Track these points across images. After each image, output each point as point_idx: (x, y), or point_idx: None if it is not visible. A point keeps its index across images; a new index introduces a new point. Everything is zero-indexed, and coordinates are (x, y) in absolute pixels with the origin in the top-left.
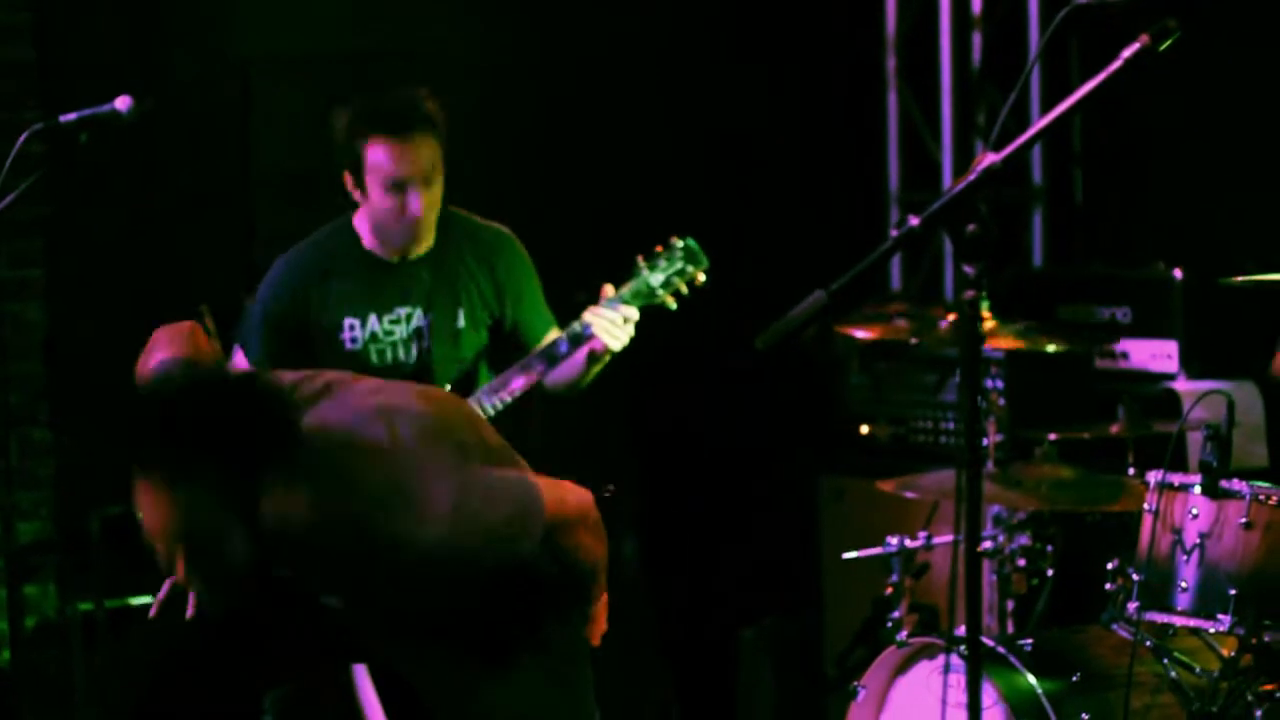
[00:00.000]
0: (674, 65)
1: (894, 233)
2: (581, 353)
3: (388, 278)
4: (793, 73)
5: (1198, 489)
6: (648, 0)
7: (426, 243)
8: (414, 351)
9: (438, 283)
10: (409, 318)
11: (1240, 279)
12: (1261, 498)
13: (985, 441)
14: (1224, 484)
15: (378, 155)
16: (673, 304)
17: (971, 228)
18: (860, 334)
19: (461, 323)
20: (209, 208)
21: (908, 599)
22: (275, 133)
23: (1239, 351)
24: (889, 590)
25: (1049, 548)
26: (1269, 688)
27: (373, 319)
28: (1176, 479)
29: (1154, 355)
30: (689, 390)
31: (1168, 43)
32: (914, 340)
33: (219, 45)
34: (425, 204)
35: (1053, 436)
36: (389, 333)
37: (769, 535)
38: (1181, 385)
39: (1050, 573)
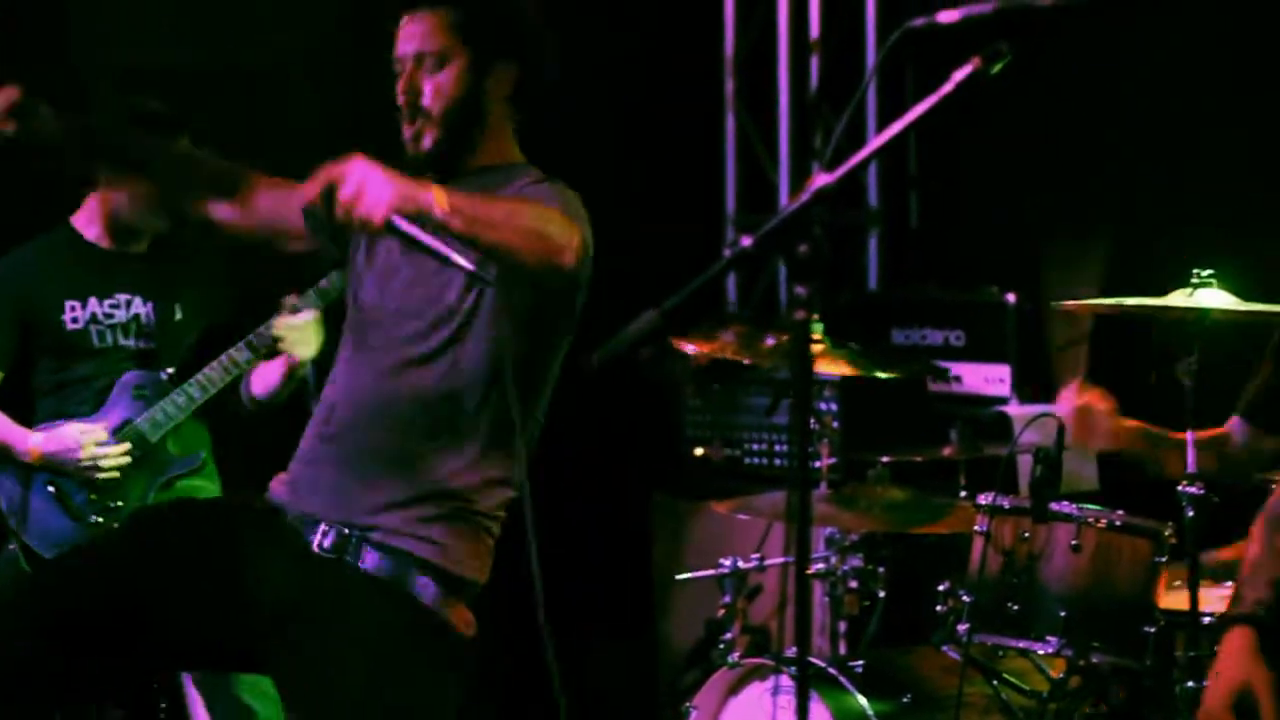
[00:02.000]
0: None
1: (727, 253)
2: (277, 364)
3: (110, 265)
4: (631, 94)
5: (1028, 512)
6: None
7: (150, 236)
8: (133, 334)
9: (155, 275)
10: (129, 304)
11: (1071, 303)
12: (1090, 520)
13: (818, 463)
14: (1054, 507)
15: None
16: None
17: (804, 249)
18: (691, 350)
19: (179, 315)
20: None
21: (740, 620)
22: None
23: (1070, 375)
24: (722, 612)
25: (881, 569)
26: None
27: (93, 302)
28: (1007, 502)
29: (986, 379)
30: None
31: (999, 65)
32: (746, 360)
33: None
34: None
35: (886, 459)
36: (109, 315)
37: (603, 556)
38: (1013, 409)
39: (882, 594)
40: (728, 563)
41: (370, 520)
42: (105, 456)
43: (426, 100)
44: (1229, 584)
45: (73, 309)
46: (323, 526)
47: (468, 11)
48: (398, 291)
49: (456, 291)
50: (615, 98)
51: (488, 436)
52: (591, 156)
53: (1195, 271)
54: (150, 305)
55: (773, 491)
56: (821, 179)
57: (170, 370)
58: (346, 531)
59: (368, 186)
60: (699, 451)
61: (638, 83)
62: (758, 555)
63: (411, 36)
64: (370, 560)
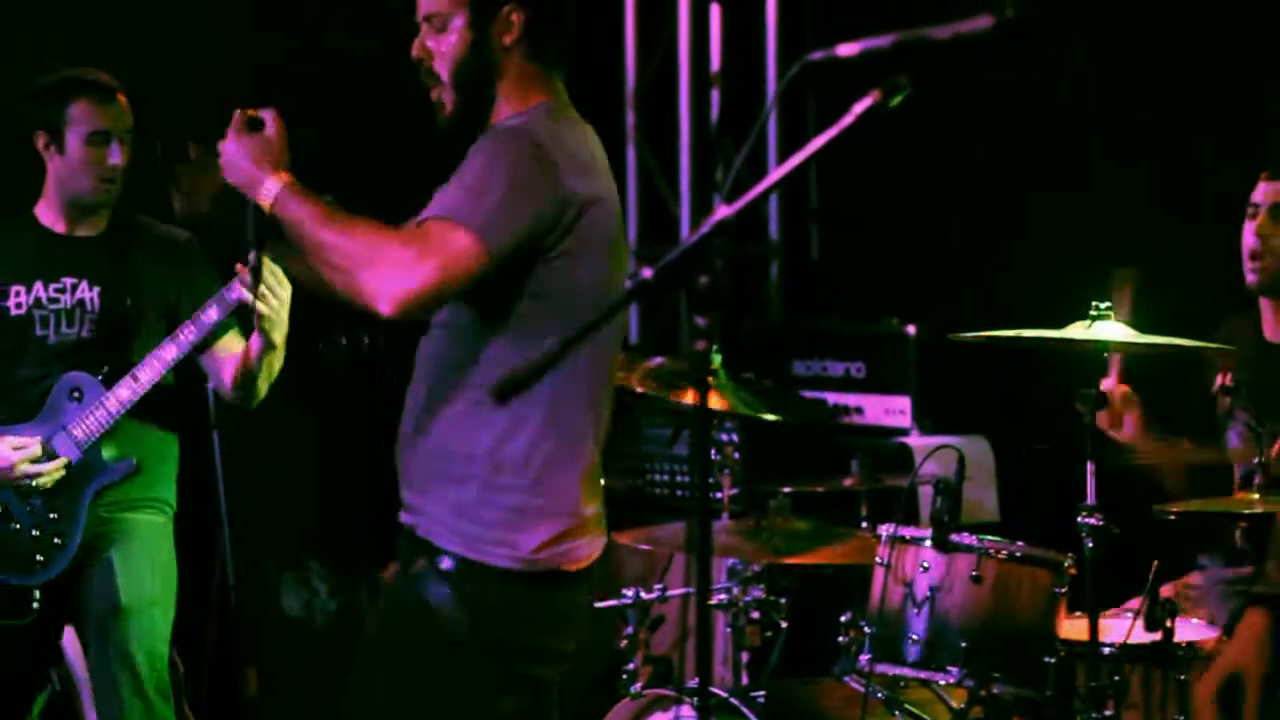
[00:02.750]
0: (411, 112)
1: (628, 284)
2: (254, 343)
3: (58, 248)
4: None
5: (928, 542)
6: (384, 43)
7: (105, 216)
8: (77, 323)
9: (107, 260)
10: (74, 288)
11: (970, 335)
12: (991, 551)
13: (720, 494)
14: (954, 537)
15: (83, 110)
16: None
17: (704, 280)
18: None
19: (130, 303)
20: None
21: (643, 651)
22: None
23: (971, 407)
24: (624, 642)
25: (783, 600)
26: None
27: (38, 285)
28: (908, 532)
29: (888, 410)
30: None
31: (898, 98)
32: (640, 389)
33: None
34: (124, 158)
35: (787, 489)
36: (54, 300)
37: None
38: (914, 440)
39: (784, 624)
40: (630, 593)
41: None
42: (39, 474)
43: (437, 64)
44: (1128, 615)
45: (17, 294)
46: None
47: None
48: None
49: None
50: None
51: None
52: None
53: (1094, 303)
54: (97, 291)
55: (675, 522)
56: (722, 211)
57: (105, 369)
58: None
59: (225, 163)
60: (601, 481)
61: None
62: (660, 586)
63: (123, 116)
64: None
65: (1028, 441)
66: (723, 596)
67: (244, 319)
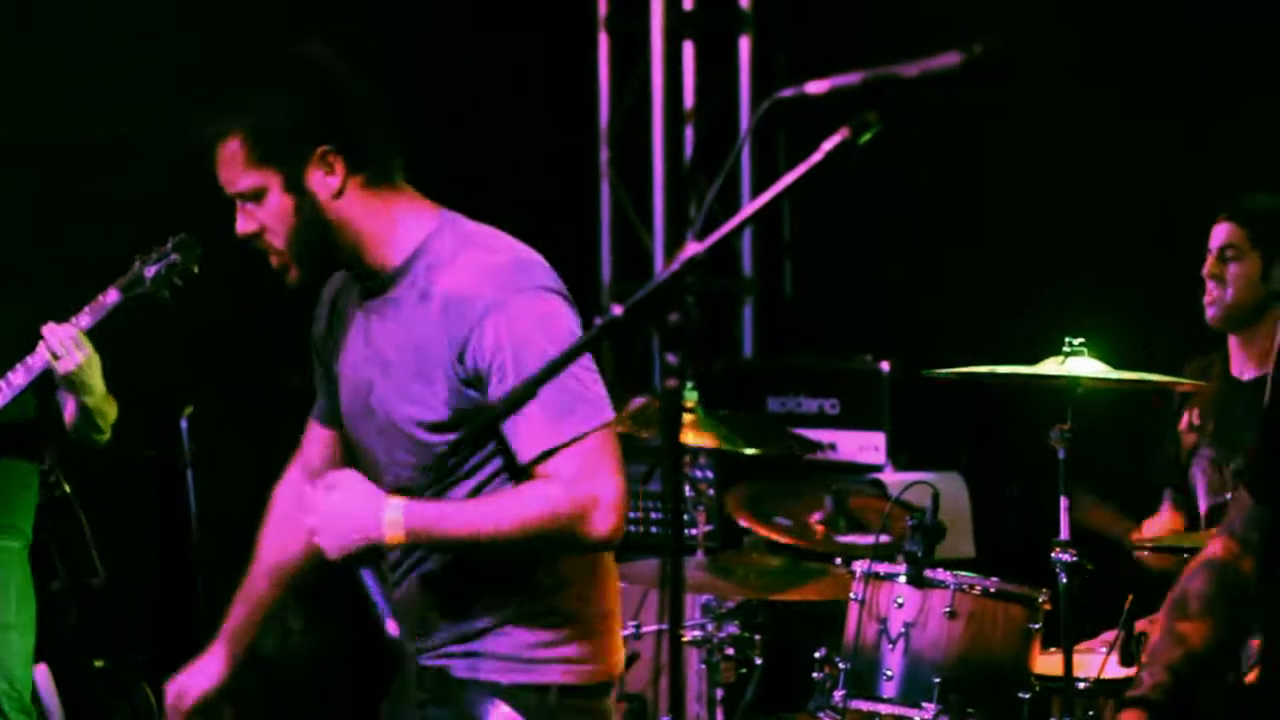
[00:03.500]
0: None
1: (599, 321)
2: (67, 403)
3: None
4: (505, 162)
5: (903, 578)
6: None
7: None
8: None
9: None
10: None
11: (944, 371)
12: (965, 587)
13: (694, 530)
14: (929, 573)
15: None
16: (166, 295)
17: (675, 317)
18: None
19: None
20: None
21: (617, 688)
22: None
23: (945, 443)
24: None
25: (757, 636)
26: None
27: None
28: (882, 568)
29: (862, 446)
30: None
31: (868, 135)
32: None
33: None
34: None
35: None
36: None
37: None
38: (888, 476)
39: (758, 661)
40: None
41: None
42: None
43: (269, 238)
44: (1103, 650)
45: None
46: None
47: (254, 129)
48: None
49: None
50: (488, 166)
51: None
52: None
53: (1067, 339)
54: None
55: (648, 558)
56: (693, 247)
57: None
58: None
59: (320, 529)
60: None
61: (512, 151)
62: (634, 623)
63: (223, 178)
64: None
65: (1001, 477)
66: (697, 633)
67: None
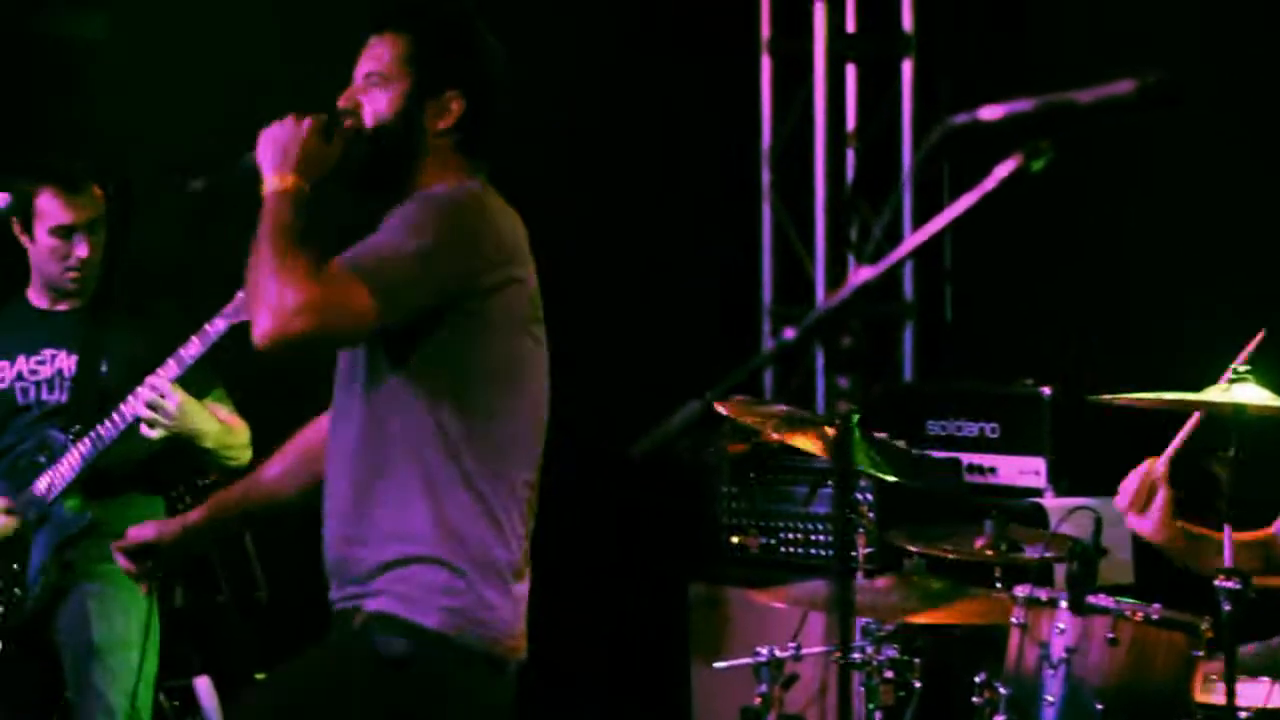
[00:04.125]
0: (550, 180)
1: (769, 344)
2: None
3: (41, 323)
4: (667, 184)
5: (1064, 604)
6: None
7: (86, 292)
8: (57, 389)
9: (87, 330)
10: (54, 358)
11: (1108, 397)
12: (1127, 613)
13: (855, 553)
14: (1090, 599)
15: (48, 202)
16: None
17: (846, 341)
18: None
19: (106, 370)
20: None
21: (776, 709)
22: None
23: (1106, 468)
24: (758, 700)
25: (916, 660)
26: None
27: (20, 359)
28: (1043, 594)
29: (1022, 471)
30: (561, 496)
31: (1040, 162)
32: (774, 437)
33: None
34: (89, 249)
35: (921, 549)
36: (34, 372)
37: (639, 644)
38: (1049, 501)
39: (917, 684)
40: (764, 651)
41: None
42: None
43: (365, 116)
44: (1264, 679)
45: (2, 369)
46: None
47: (421, 38)
48: None
49: None
50: (651, 187)
51: None
52: (628, 247)
53: (1232, 366)
54: (74, 358)
55: (809, 580)
56: (864, 272)
57: (78, 427)
58: None
59: (260, 137)
60: (735, 539)
61: (674, 174)
62: (794, 644)
63: (367, 56)
64: None
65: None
66: (857, 655)
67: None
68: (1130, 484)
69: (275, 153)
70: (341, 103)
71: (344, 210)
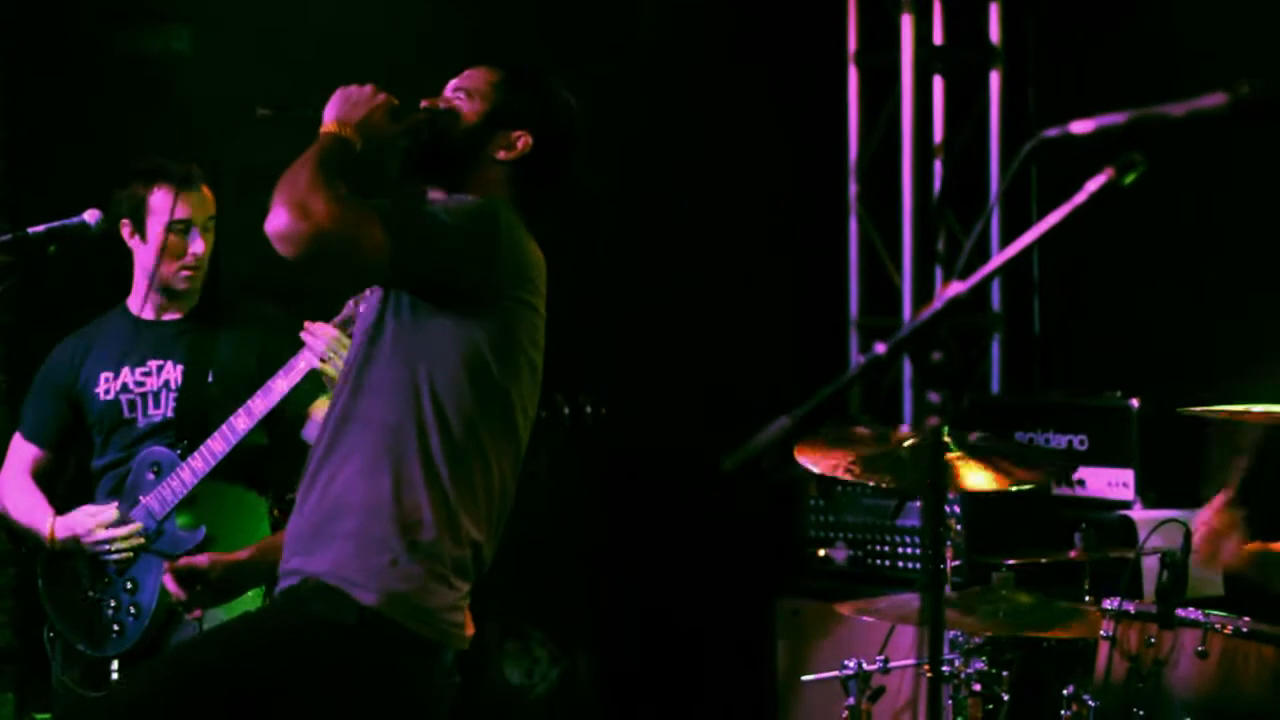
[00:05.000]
0: (641, 191)
1: (859, 359)
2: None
3: (145, 333)
4: (755, 196)
5: (1154, 617)
6: (608, 122)
7: (191, 299)
8: (164, 403)
9: (191, 341)
10: (160, 370)
11: (1198, 409)
12: (1217, 627)
13: (943, 566)
14: (1180, 612)
15: (164, 198)
16: None
17: (937, 356)
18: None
19: (210, 380)
20: None
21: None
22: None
23: (1194, 480)
24: (846, 713)
25: (1005, 673)
26: None
27: (125, 371)
28: (1133, 607)
29: (1110, 483)
30: (649, 508)
31: (1132, 176)
32: (870, 482)
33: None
34: (205, 246)
35: (1010, 562)
36: (140, 384)
37: (727, 657)
38: (1138, 513)
39: (1006, 697)
40: (851, 664)
41: None
42: (114, 539)
43: (443, 119)
44: None
45: (106, 380)
46: None
47: (511, 76)
48: None
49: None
50: (739, 199)
51: None
52: (715, 257)
53: None
54: (180, 369)
55: (896, 593)
56: (955, 287)
57: (185, 442)
58: None
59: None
60: (822, 553)
61: (763, 185)
62: (882, 657)
63: (461, 77)
64: None
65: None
66: (945, 668)
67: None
68: (1199, 540)
69: (343, 104)
70: (424, 103)
71: None
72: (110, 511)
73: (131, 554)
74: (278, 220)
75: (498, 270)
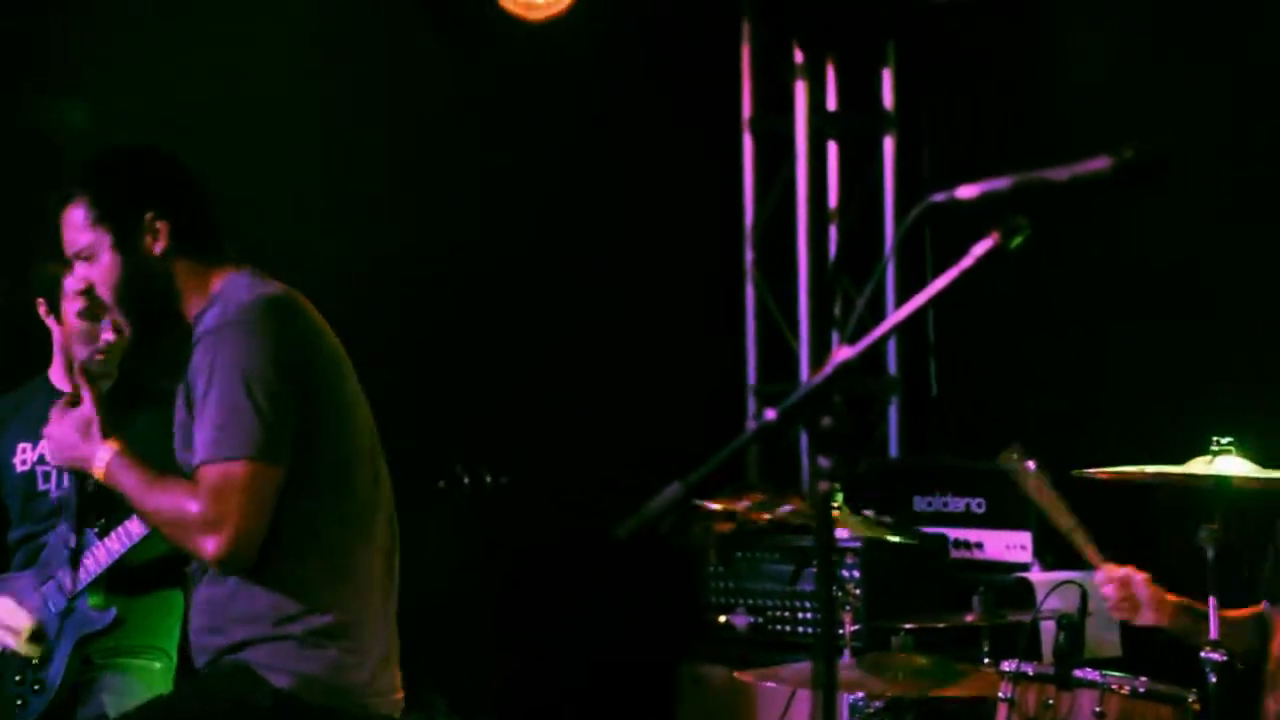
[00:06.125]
0: (538, 258)
1: (751, 425)
2: None
3: None
4: (649, 263)
5: (1051, 678)
6: (508, 200)
7: (109, 378)
8: (81, 476)
9: (110, 414)
10: None
11: (1092, 471)
12: (1114, 687)
13: (841, 630)
14: (1077, 673)
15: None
16: None
17: (827, 421)
18: (718, 521)
19: None
20: None
21: None
22: None
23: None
24: None
25: None
26: None
27: (43, 442)
28: (1031, 668)
29: (1008, 545)
30: (551, 578)
31: (1018, 240)
32: (767, 518)
33: None
34: (118, 331)
35: (909, 626)
36: None
37: None
38: (1035, 575)
39: None
40: None
41: None
42: (16, 649)
43: (100, 293)
44: None
45: (23, 451)
46: None
47: (95, 192)
48: None
49: None
50: (633, 266)
51: None
52: (612, 325)
53: (1214, 438)
54: None
55: (797, 659)
56: (844, 352)
57: (103, 521)
58: None
59: (51, 440)
60: (722, 619)
61: (657, 251)
62: None
63: (66, 236)
64: None
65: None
66: None
67: None
68: (1114, 593)
69: (68, 445)
70: (73, 287)
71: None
72: (24, 620)
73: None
74: (215, 557)
75: (305, 358)
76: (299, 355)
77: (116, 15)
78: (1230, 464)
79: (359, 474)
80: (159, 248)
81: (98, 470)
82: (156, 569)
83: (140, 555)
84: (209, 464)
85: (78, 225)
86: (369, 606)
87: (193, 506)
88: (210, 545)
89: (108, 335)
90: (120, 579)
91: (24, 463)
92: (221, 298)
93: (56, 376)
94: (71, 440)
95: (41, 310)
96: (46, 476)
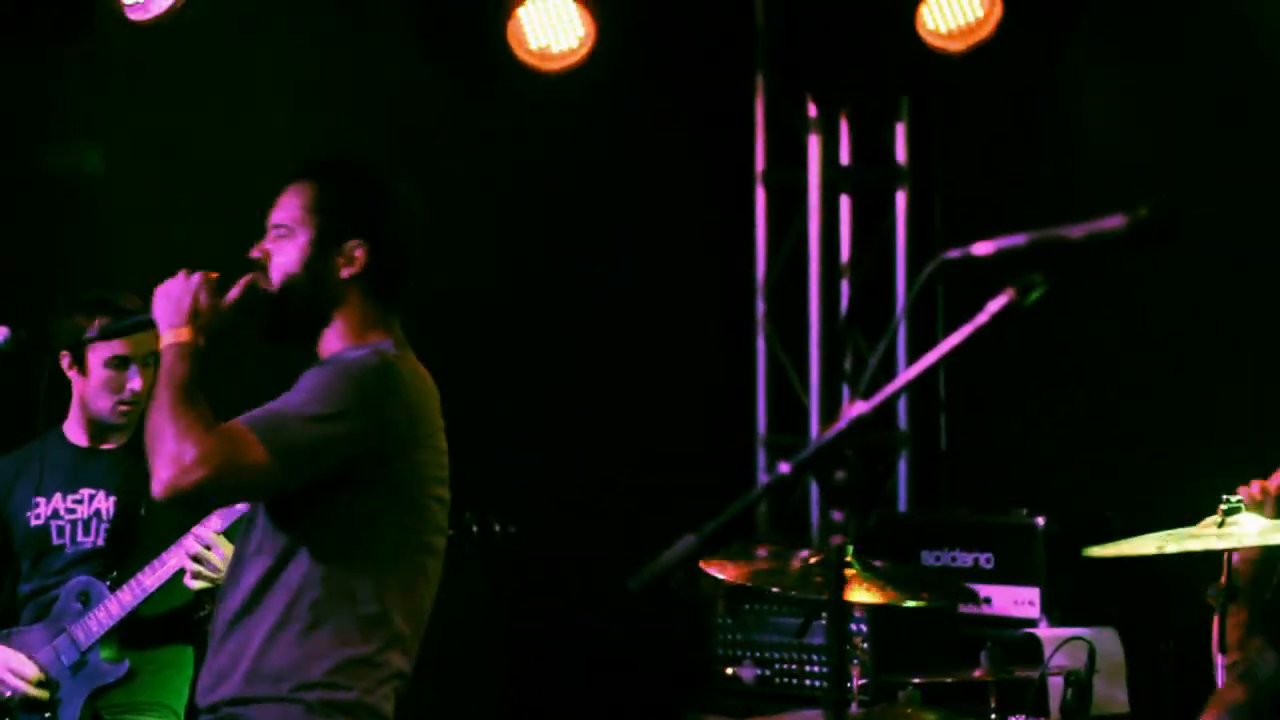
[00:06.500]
0: (548, 308)
1: (764, 479)
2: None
3: (80, 462)
4: (662, 316)
5: None
6: (520, 251)
7: (129, 430)
8: (94, 531)
9: (127, 471)
10: (92, 499)
11: (1099, 549)
12: None
13: (849, 684)
14: None
15: None
16: None
17: (840, 475)
18: (724, 576)
19: (145, 513)
20: None
21: None
22: None
23: (1100, 598)
24: None
25: None
26: None
27: (57, 497)
28: None
29: (1016, 601)
30: (557, 626)
31: (1034, 296)
32: (775, 589)
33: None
34: (144, 382)
35: (916, 680)
36: (71, 510)
37: None
38: (1043, 631)
39: None
40: None
41: None
42: (26, 693)
43: (272, 270)
44: None
45: (37, 505)
46: None
47: (325, 188)
48: None
49: None
50: (645, 319)
51: None
52: (624, 375)
53: (1224, 496)
54: (113, 500)
55: (804, 711)
56: (858, 407)
57: (115, 574)
58: None
59: (156, 294)
60: (729, 671)
61: (669, 305)
62: None
63: (277, 207)
64: None
65: (1158, 634)
66: None
67: None
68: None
69: (168, 307)
70: (254, 253)
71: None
72: (31, 669)
73: (45, 695)
74: (160, 483)
75: (385, 436)
76: (390, 429)
77: (127, 62)
78: (1242, 521)
79: (429, 569)
80: (346, 272)
81: (165, 336)
82: (168, 623)
83: (152, 609)
84: (238, 424)
85: (296, 202)
86: (385, 684)
87: (191, 434)
88: (166, 473)
89: (134, 384)
90: (134, 633)
91: (38, 517)
92: (368, 347)
93: (73, 431)
94: (178, 297)
95: (64, 363)
96: (60, 531)
